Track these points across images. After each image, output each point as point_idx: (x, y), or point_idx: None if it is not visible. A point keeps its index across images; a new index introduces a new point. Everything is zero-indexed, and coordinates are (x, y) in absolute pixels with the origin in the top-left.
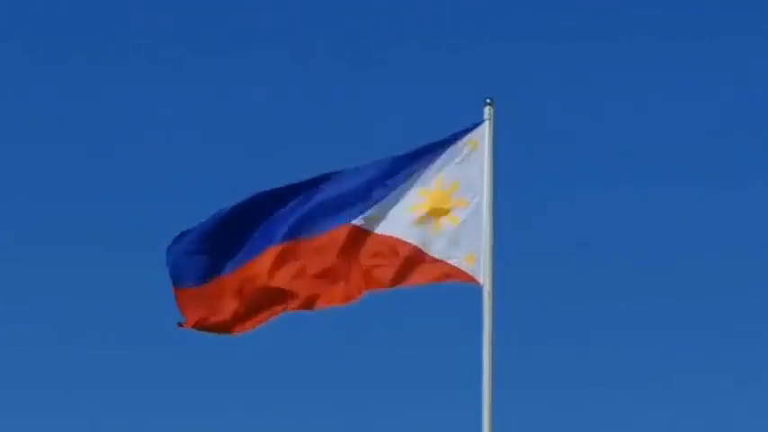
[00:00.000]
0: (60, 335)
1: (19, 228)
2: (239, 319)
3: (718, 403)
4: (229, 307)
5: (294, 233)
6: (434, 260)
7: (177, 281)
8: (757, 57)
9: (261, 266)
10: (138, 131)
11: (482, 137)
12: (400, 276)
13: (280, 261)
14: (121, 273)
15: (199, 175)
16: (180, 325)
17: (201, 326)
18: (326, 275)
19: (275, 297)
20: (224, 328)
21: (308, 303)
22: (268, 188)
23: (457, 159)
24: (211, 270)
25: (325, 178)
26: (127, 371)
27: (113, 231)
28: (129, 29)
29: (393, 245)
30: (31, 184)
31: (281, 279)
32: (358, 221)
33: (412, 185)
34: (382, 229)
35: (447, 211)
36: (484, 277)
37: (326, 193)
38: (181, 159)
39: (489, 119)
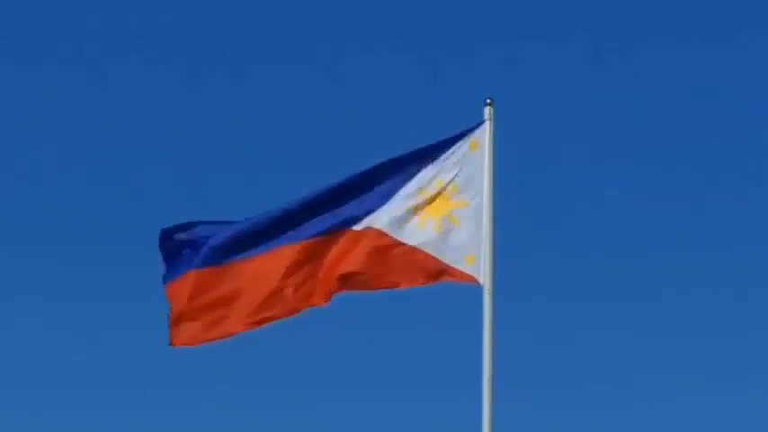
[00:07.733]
0: (59, 335)
1: (18, 228)
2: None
3: (719, 403)
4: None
5: (291, 237)
6: (435, 260)
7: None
8: (758, 57)
9: (259, 265)
10: (137, 133)
11: (482, 137)
12: (400, 277)
13: (278, 261)
14: (121, 273)
15: (198, 175)
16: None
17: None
18: (318, 276)
19: (276, 298)
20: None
21: (301, 305)
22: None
23: (457, 160)
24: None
25: (328, 191)
26: (127, 371)
27: (113, 231)
28: (127, 28)
29: (393, 245)
30: (31, 184)
31: (281, 278)
32: (357, 225)
33: (412, 186)
34: (382, 230)
35: (447, 212)
36: (484, 277)
37: (327, 197)
38: (180, 160)
39: (489, 119)
